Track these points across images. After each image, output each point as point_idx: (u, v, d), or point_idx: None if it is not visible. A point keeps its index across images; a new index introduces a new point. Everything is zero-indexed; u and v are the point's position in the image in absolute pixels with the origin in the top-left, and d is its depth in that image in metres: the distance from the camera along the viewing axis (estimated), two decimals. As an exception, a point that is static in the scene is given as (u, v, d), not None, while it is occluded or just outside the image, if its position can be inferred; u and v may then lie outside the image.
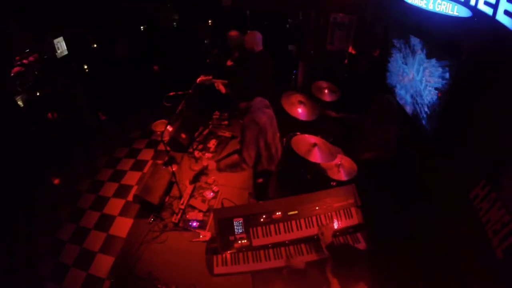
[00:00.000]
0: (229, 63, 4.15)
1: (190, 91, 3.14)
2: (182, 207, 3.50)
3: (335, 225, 2.24)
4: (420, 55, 3.33)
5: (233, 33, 4.05)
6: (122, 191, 4.01)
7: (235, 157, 2.58)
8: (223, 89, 3.60)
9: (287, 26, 6.30)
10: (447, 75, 2.80)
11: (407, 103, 3.71)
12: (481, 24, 2.25)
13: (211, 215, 3.36)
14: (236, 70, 4.08)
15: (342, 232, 2.24)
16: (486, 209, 2.18)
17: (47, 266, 3.14)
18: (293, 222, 2.26)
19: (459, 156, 2.78)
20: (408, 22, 3.61)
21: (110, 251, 3.21)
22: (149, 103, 5.36)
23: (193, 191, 3.75)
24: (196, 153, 3.50)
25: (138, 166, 4.44)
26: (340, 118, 3.58)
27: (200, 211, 3.48)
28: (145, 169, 4.30)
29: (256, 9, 6.17)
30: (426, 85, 3.19)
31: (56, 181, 4.34)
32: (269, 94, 3.58)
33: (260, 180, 2.98)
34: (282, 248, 2.18)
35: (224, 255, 2.16)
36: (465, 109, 2.65)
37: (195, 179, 3.10)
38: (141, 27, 6.66)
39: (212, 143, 3.61)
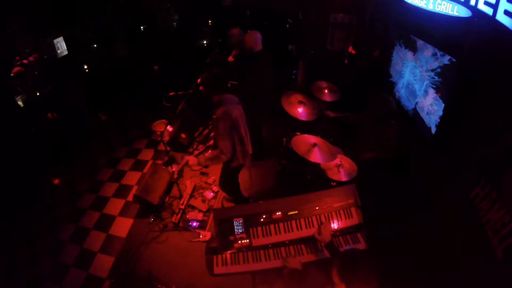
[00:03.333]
0: (230, 59, 4.18)
1: (190, 91, 3.14)
2: (182, 207, 3.51)
3: (334, 225, 2.24)
4: (420, 55, 3.33)
5: (235, 31, 4.10)
6: (122, 191, 4.01)
7: (214, 151, 2.65)
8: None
9: (287, 26, 6.29)
10: (447, 75, 2.80)
11: (406, 103, 3.71)
12: (481, 24, 2.25)
13: (211, 215, 3.37)
14: (235, 69, 4.09)
15: (342, 232, 2.24)
16: (486, 209, 2.18)
17: (47, 266, 3.14)
18: (293, 222, 2.26)
19: (459, 156, 2.78)
20: (408, 22, 3.61)
21: (110, 251, 3.21)
22: (149, 103, 5.36)
23: (193, 191, 3.76)
24: (196, 153, 3.50)
25: (138, 166, 4.43)
26: (339, 118, 3.58)
27: (200, 211, 3.49)
28: (145, 169, 4.29)
29: (256, 9, 6.17)
30: (426, 84, 3.19)
31: (56, 181, 4.33)
32: (269, 93, 3.59)
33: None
34: (282, 248, 2.18)
35: (224, 255, 2.15)
36: (465, 109, 2.65)
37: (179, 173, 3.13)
38: (141, 27, 6.65)
39: (212, 143, 3.61)
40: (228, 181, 3.16)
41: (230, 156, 2.59)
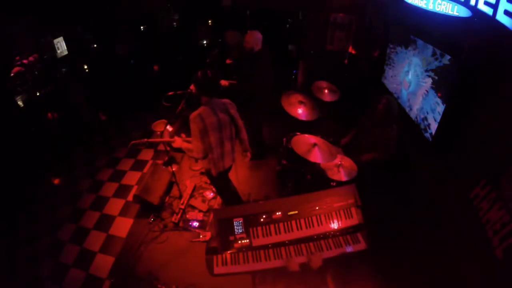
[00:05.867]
0: (228, 61, 4.19)
1: (189, 90, 3.13)
2: (182, 207, 3.51)
3: (334, 225, 2.24)
4: (420, 55, 3.33)
5: (232, 32, 4.11)
6: (122, 191, 4.01)
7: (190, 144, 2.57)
8: (225, 83, 3.61)
9: (287, 26, 6.30)
10: (447, 75, 2.80)
11: (406, 103, 3.71)
12: (481, 24, 2.25)
13: (211, 215, 3.37)
14: (235, 69, 4.09)
15: (342, 232, 2.24)
16: (486, 209, 2.18)
17: (47, 266, 3.14)
18: (293, 222, 2.26)
19: (459, 156, 2.78)
20: (408, 22, 3.61)
21: (110, 251, 3.21)
22: (149, 103, 5.36)
23: (193, 191, 3.76)
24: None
25: (138, 166, 4.43)
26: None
27: (200, 211, 3.49)
28: (145, 169, 4.29)
29: (256, 9, 6.17)
30: (426, 85, 3.19)
31: (56, 181, 4.33)
32: (269, 93, 3.59)
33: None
34: (282, 248, 2.18)
35: (224, 255, 2.15)
36: (465, 109, 2.65)
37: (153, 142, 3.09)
38: (141, 27, 6.66)
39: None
40: (218, 189, 3.14)
41: (200, 156, 2.52)
